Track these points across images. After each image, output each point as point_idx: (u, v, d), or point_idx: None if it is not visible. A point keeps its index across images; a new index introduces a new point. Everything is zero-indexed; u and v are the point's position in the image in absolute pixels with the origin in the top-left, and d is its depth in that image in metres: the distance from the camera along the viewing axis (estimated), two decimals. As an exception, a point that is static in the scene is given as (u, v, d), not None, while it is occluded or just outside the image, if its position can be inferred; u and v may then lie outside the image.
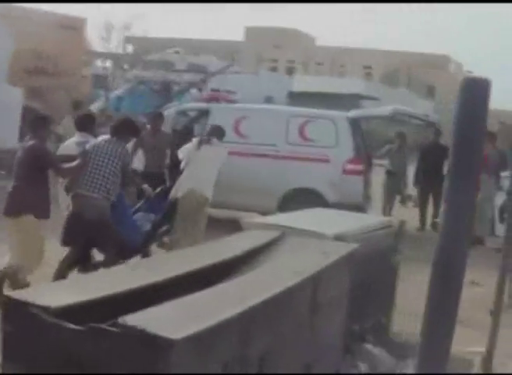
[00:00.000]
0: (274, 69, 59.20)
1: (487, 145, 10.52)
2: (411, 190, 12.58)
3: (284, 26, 71.96)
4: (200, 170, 7.72)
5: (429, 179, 11.18)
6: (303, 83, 39.32)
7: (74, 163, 6.17)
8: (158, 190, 7.40)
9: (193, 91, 19.35)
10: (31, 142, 6.09)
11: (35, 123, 6.33)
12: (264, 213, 10.34)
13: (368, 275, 4.58)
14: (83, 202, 6.13)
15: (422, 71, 63.68)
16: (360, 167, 9.88)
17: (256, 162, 10.02)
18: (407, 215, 12.09)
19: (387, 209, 11.17)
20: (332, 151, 9.88)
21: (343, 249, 4.11)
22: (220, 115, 10.47)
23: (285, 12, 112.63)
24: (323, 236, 4.36)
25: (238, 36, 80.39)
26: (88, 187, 6.11)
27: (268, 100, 31.35)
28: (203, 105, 11.41)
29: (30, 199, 6.00)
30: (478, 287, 7.91)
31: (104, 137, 6.45)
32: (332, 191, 9.72)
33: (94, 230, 6.02)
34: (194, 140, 8.08)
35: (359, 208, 9.45)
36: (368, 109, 12.89)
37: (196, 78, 23.05)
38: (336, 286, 3.94)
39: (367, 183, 10.10)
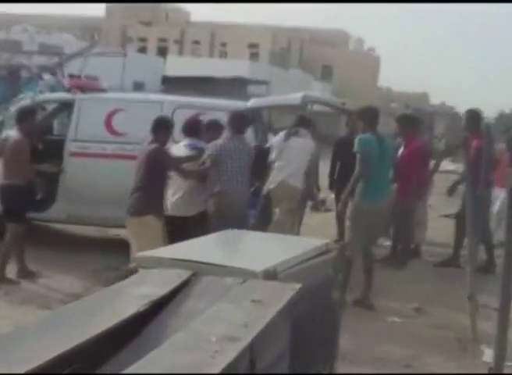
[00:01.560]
0: (143, 50, 58.41)
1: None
2: (325, 193, 12.36)
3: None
4: (289, 162, 9.09)
5: (346, 180, 10.85)
6: (178, 65, 38.90)
7: (203, 166, 8.01)
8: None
9: (47, 77, 18.31)
10: (153, 145, 7.51)
11: (157, 126, 7.70)
12: None
13: (304, 319, 4.07)
14: (232, 200, 7.83)
15: (317, 49, 64.74)
16: None
17: (133, 167, 9.38)
18: (323, 224, 11.97)
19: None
20: None
21: (281, 293, 3.54)
22: (88, 108, 9.90)
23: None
24: (250, 274, 3.80)
25: (99, 11, 78.82)
26: (235, 185, 7.91)
27: (138, 87, 30.78)
28: (65, 95, 10.61)
29: (151, 200, 7.42)
30: (425, 315, 7.81)
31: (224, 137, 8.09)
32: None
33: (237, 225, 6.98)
34: (282, 132, 9.52)
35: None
36: (271, 98, 12.53)
37: (50, 61, 21.97)
38: (275, 347, 3.37)
39: None
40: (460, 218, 9.56)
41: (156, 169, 7.44)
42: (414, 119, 10.80)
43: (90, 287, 7.76)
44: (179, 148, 8.28)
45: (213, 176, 8.01)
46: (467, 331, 6.74)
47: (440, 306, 8.13)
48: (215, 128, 8.51)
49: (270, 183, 9.12)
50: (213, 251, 4.36)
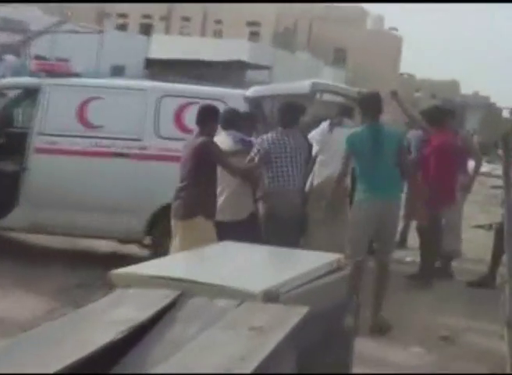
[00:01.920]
0: (123, 28, 58.55)
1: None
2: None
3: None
4: (335, 156, 8.99)
5: None
6: (164, 46, 38.95)
7: (253, 162, 8.39)
8: None
9: (10, 58, 18.41)
10: (200, 139, 7.70)
11: (203, 116, 7.90)
12: (125, 241, 10.04)
13: (312, 349, 4.10)
14: (286, 202, 8.36)
15: (329, 29, 64.83)
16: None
17: (112, 166, 9.68)
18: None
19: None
20: None
21: (284, 318, 3.54)
22: (57, 95, 9.88)
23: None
24: (247, 295, 3.83)
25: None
26: (288, 185, 8.45)
27: (117, 71, 30.75)
28: (30, 80, 10.63)
29: (200, 200, 7.67)
30: (454, 345, 7.82)
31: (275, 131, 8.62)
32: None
33: (291, 227, 7.93)
34: (324, 123, 9.69)
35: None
36: (274, 86, 12.55)
37: (13, 39, 22.06)
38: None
39: None
40: (499, 231, 9.55)
41: (205, 164, 7.71)
42: (447, 113, 10.82)
43: (57, 308, 7.73)
44: (222, 140, 8.39)
45: (263, 174, 8.56)
46: (504, 364, 6.71)
47: (472, 334, 8.12)
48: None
49: (314, 180, 9.41)
50: (204, 267, 4.38)
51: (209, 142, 7.75)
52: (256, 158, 8.40)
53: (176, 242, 7.71)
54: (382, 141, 8.05)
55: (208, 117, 7.90)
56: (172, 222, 7.86)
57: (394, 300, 8.37)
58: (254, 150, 8.46)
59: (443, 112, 10.77)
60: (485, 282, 10.12)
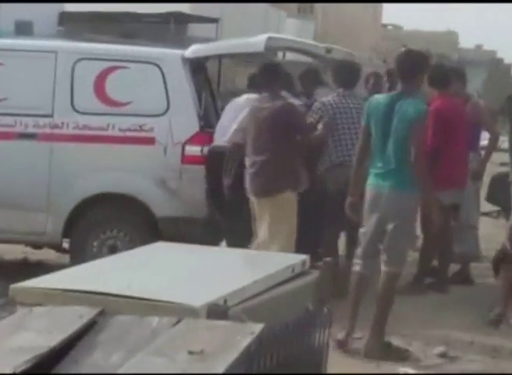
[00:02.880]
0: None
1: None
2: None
3: None
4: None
5: None
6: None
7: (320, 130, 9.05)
8: None
9: None
10: (279, 102, 8.47)
11: (269, 75, 8.70)
12: (37, 245, 10.03)
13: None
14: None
15: (291, -30, 65.00)
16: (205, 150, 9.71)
17: (16, 150, 9.66)
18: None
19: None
20: (159, 122, 9.65)
21: (234, 339, 3.55)
22: None
23: None
24: (186, 310, 3.85)
25: None
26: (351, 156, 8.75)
27: (23, 28, 30.51)
28: None
29: (286, 173, 8.42)
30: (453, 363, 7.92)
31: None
32: (164, 196, 9.58)
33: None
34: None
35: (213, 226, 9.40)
36: (222, 43, 12.56)
37: None
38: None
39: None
40: None
41: (289, 131, 8.44)
42: (455, 73, 10.86)
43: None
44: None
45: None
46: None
47: (477, 349, 8.20)
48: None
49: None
50: (130, 277, 4.36)
51: (292, 105, 8.59)
52: (320, 126, 9.13)
53: (264, 224, 8.52)
54: (394, 113, 8.01)
55: (274, 76, 8.69)
56: (255, 201, 8.66)
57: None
58: (314, 116, 9.22)
59: (450, 72, 10.78)
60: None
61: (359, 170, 8.21)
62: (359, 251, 8.19)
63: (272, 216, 8.50)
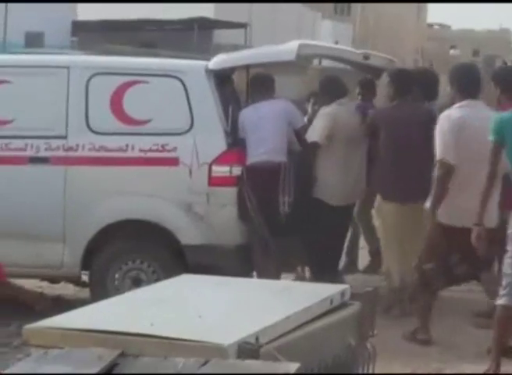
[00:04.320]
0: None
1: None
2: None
3: None
4: None
5: None
6: (97, 3, 38.96)
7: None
8: None
9: None
10: (424, 106, 10.14)
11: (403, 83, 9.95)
12: (54, 279, 10.04)
13: None
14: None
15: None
16: (236, 170, 9.69)
17: (28, 175, 9.66)
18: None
19: None
20: (183, 141, 9.64)
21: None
22: None
23: None
24: (214, 349, 3.85)
25: None
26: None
27: (34, 40, 30.71)
28: None
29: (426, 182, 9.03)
30: None
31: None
32: (191, 222, 9.56)
33: None
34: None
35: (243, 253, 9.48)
36: (248, 52, 12.55)
37: None
38: None
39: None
40: None
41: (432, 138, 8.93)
42: None
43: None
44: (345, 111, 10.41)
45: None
46: None
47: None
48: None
49: None
50: (154, 314, 4.37)
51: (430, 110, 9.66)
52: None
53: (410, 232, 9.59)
54: None
55: (409, 83, 10.00)
56: (398, 209, 9.72)
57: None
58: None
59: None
60: None
61: (490, 193, 8.26)
62: (505, 281, 8.00)
63: (391, 229, 9.68)
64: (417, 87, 10.56)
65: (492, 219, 8.75)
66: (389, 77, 10.22)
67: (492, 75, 10.55)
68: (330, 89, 10.70)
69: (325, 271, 9.57)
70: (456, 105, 9.10)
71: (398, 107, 10.04)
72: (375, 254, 11.76)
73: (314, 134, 10.08)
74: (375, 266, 11.89)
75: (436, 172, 8.95)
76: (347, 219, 10.79)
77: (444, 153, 8.79)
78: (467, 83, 9.28)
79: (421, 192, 9.21)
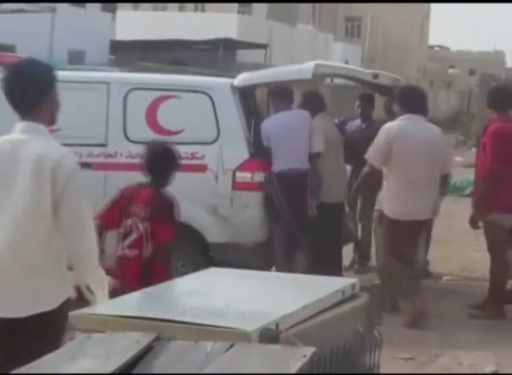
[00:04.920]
0: (81, 4, 58.38)
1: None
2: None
3: None
4: None
5: None
6: (133, 25, 38.91)
7: None
8: None
9: None
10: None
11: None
12: None
13: None
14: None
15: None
16: (261, 175, 9.78)
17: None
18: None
19: None
20: (210, 150, 9.70)
21: (286, 362, 3.56)
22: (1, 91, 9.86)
23: None
24: (239, 335, 3.83)
25: None
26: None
27: (76, 57, 30.72)
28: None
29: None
30: None
31: None
32: (216, 222, 9.64)
33: None
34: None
35: (262, 251, 9.41)
36: (269, 71, 12.57)
37: None
38: None
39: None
40: None
41: None
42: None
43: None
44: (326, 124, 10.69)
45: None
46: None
47: None
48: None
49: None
50: (185, 302, 4.38)
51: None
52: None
53: None
54: None
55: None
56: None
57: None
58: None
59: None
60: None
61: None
62: None
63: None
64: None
65: (429, 211, 9.73)
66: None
67: (486, 92, 10.63)
68: (312, 103, 10.73)
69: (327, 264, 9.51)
70: (398, 118, 9.57)
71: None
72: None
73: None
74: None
75: (364, 169, 9.69)
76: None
77: (373, 158, 9.49)
78: (409, 101, 9.73)
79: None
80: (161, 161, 7.58)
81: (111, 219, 7.61)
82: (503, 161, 9.75)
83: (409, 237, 9.55)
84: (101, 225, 7.29)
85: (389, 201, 9.64)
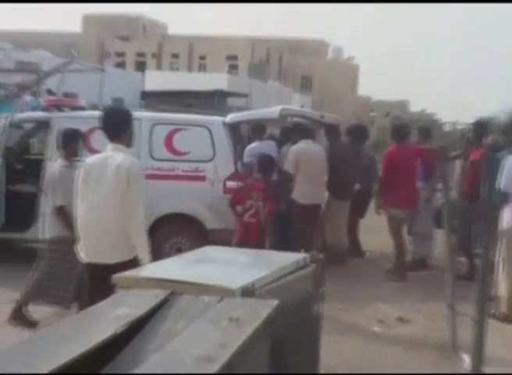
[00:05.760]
0: (121, 65, 58.32)
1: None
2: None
3: (129, 12, 70.97)
4: None
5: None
6: (157, 80, 38.85)
7: None
8: None
9: (28, 98, 18.27)
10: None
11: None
12: None
13: (283, 336, 4.07)
14: None
15: (296, 60, 64.74)
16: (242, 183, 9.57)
17: None
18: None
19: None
20: (208, 166, 9.63)
21: (259, 310, 3.53)
22: (64, 126, 9.74)
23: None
24: (227, 291, 3.78)
25: (75, 26, 78.42)
26: None
27: (118, 102, 30.68)
28: (41, 114, 10.59)
29: None
30: (406, 324, 7.89)
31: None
32: (213, 215, 9.54)
33: None
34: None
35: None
36: (249, 112, 12.57)
37: (27, 79, 21.86)
38: (253, 366, 3.37)
39: None
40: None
41: None
42: (406, 130, 10.88)
43: (71, 305, 7.72)
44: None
45: None
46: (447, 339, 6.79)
47: (422, 315, 8.19)
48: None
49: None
50: (190, 269, 4.32)
51: None
52: None
53: None
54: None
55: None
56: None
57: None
58: None
59: (403, 130, 10.79)
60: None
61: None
62: None
63: None
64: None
65: (322, 197, 10.41)
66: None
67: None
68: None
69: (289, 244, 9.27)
70: (298, 143, 10.19)
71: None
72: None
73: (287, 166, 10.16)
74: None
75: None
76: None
77: (287, 167, 9.99)
78: (302, 131, 10.42)
79: None
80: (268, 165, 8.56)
81: (239, 199, 8.36)
82: (392, 171, 10.10)
83: (311, 216, 9.99)
84: (231, 202, 8.43)
85: (298, 193, 9.89)
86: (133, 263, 5.31)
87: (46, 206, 7.74)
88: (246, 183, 8.55)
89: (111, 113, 6.06)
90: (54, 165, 7.84)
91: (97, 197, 5.61)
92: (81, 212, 5.74)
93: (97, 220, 5.60)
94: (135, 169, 5.62)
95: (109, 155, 5.73)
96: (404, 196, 10.07)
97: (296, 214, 9.65)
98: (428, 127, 12.16)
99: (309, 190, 9.98)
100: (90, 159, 5.93)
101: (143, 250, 5.60)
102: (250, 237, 8.02)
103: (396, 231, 10.28)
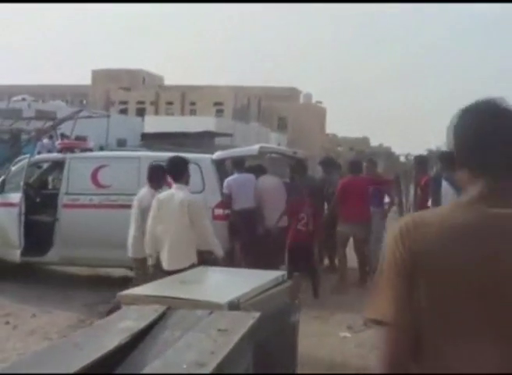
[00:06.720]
0: (124, 111, 58.37)
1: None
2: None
3: (131, 67, 71.43)
4: None
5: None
6: (154, 124, 38.88)
7: None
8: None
9: (45, 141, 18.22)
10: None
11: None
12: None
13: (265, 342, 4.05)
14: None
15: (273, 104, 65.21)
16: (226, 212, 9.55)
17: (119, 214, 9.21)
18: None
19: None
20: (199, 196, 9.43)
21: (243, 321, 3.52)
22: (76, 165, 9.84)
23: (131, 53, 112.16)
24: (216, 305, 3.77)
25: (86, 79, 78.91)
26: None
27: (121, 142, 30.76)
28: (57, 155, 10.58)
29: None
30: (372, 328, 7.80)
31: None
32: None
33: None
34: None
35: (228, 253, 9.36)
36: (233, 150, 12.58)
37: (45, 125, 21.89)
38: (239, 370, 3.35)
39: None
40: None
41: None
42: (359, 164, 10.88)
43: (83, 319, 7.65)
44: (268, 180, 10.27)
45: None
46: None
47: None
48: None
49: None
50: (184, 287, 4.32)
51: None
52: None
53: None
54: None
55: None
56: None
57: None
58: None
59: (355, 164, 10.78)
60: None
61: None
62: None
63: None
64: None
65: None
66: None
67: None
68: (256, 169, 10.63)
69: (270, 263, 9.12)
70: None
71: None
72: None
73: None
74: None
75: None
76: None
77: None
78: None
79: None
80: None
81: (294, 212, 9.34)
82: (342, 197, 9.98)
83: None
84: (289, 213, 9.45)
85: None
86: (192, 267, 5.87)
87: (135, 230, 7.69)
88: (297, 201, 9.48)
89: (173, 160, 6.86)
90: (145, 193, 7.76)
91: (169, 222, 6.38)
92: (159, 233, 6.48)
93: (171, 238, 6.35)
94: (194, 201, 6.51)
95: (174, 192, 6.56)
96: (349, 214, 9.95)
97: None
98: (374, 160, 12.14)
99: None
100: (162, 195, 6.78)
101: (218, 248, 6.49)
102: (301, 240, 9.16)
103: (340, 246, 10.14)
